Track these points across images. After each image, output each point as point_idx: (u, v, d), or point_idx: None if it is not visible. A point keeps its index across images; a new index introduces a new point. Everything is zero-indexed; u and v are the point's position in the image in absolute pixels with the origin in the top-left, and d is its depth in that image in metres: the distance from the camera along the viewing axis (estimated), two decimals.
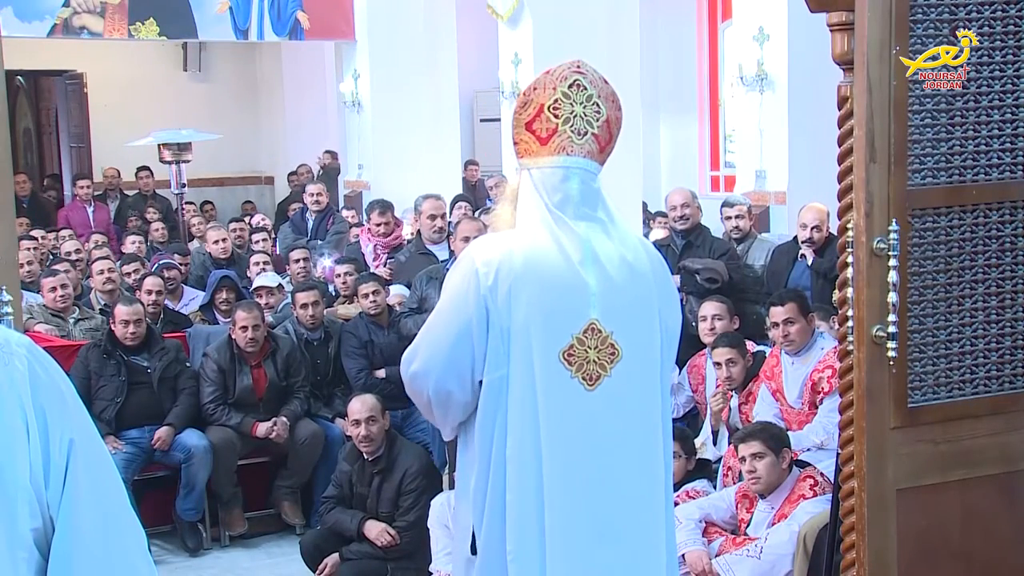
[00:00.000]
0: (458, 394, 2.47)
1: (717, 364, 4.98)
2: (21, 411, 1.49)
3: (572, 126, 2.50)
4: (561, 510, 2.43)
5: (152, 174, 12.35)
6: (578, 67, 2.55)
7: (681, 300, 5.81)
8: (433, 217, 6.95)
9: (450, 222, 7.13)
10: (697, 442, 5.06)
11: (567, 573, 2.43)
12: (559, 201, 2.49)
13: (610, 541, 2.46)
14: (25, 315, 5.83)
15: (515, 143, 2.59)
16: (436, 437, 5.33)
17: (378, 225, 7.85)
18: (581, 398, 2.44)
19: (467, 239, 5.60)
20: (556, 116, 2.51)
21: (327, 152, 12.82)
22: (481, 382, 2.46)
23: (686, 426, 5.34)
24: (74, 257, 8.18)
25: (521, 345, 2.42)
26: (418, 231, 7.19)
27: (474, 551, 2.51)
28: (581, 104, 2.50)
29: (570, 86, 2.51)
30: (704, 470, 4.85)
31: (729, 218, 7.02)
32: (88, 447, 1.55)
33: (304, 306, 6.23)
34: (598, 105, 2.52)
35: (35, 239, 8.74)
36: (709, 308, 5.40)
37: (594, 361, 2.44)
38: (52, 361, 1.59)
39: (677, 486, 4.54)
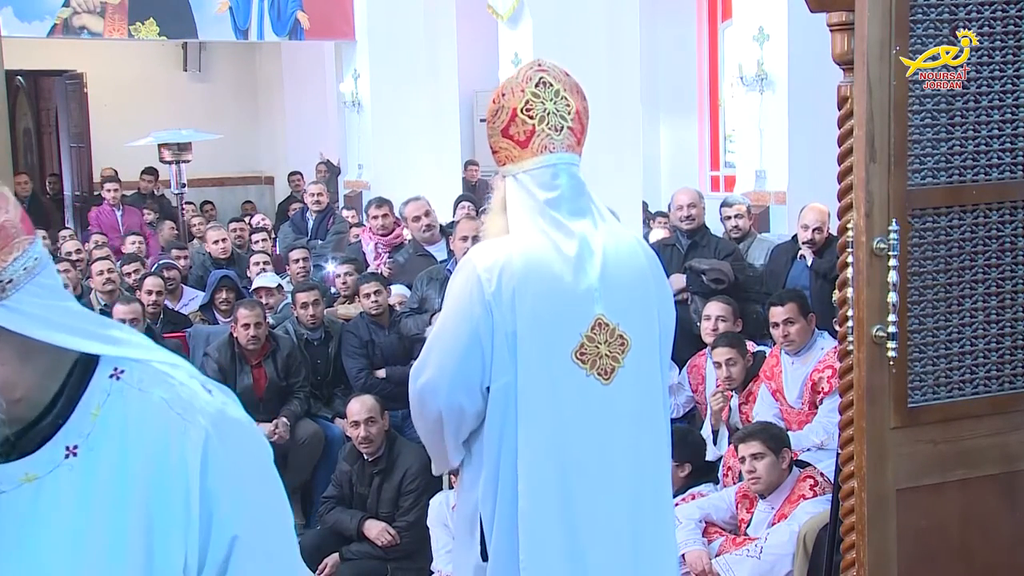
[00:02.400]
0: (468, 405, 2.45)
1: (717, 364, 4.98)
2: (184, 492, 1.32)
3: (548, 123, 2.52)
4: (589, 513, 2.42)
5: (157, 176, 12.32)
6: (539, 66, 2.58)
7: (687, 300, 5.84)
8: (417, 218, 6.92)
9: (453, 221, 7.13)
10: None
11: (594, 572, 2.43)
12: (554, 199, 2.49)
13: (633, 534, 2.47)
14: None
15: (494, 152, 2.61)
16: None
17: (375, 218, 7.84)
18: (599, 394, 2.44)
19: (466, 239, 5.61)
20: (531, 117, 2.52)
21: (323, 162, 12.91)
22: (488, 388, 2.45)
23: (686, 425, 5.34)
24: (74, 257, 8.19)
25: (528, 350, 2.41)
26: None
27: (485, 557, 2.50)
28: (551, 100, 2.52)
29: (537, 85, 2.53)
30: (709, 474, 4.82)
31: (728, 218, 7.02)
32: (256, 544, 1.36)
33: (304, 305, 6.23)
34: (566, 99, 2.54)
35: None
36: (714, 308, 5.41)
37: (606, 355, 2.45)
38: (244, 437, 1.38)
39: (682, 490, 4.54)
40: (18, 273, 1.30)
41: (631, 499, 2.47)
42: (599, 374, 2.44)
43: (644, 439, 2.50)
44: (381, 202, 7.95)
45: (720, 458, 4.88)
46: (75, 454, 1.32)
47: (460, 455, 2.56)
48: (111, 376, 1.36)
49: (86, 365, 1.36)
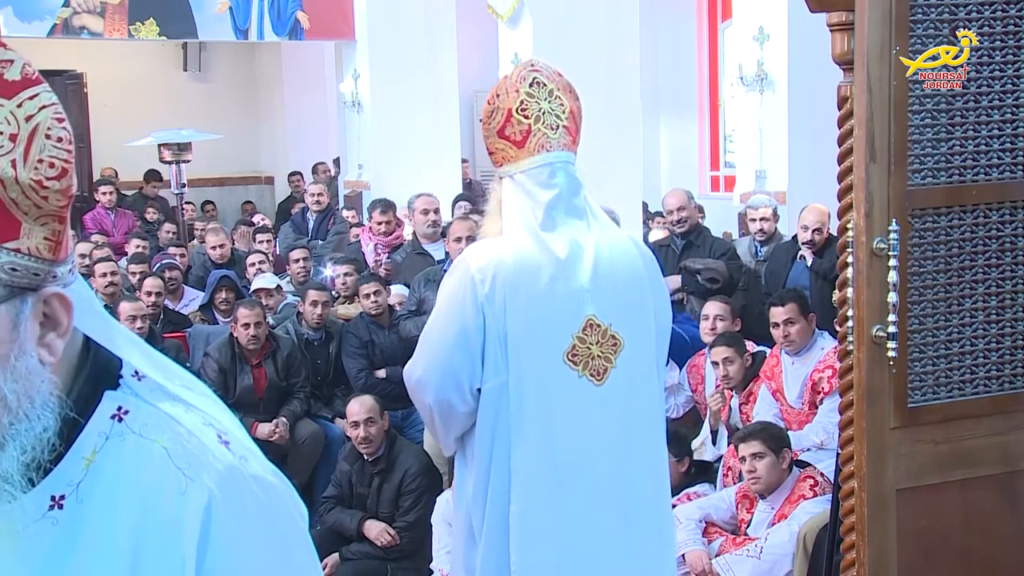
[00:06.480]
0: (458, 403, 2.46)
1: (715, 363, 4.98)
2: (178, 566, 1.07)
3: (544, 123, 2.53)
4: (582, 516, 2.42)
5: (161, 179, 12.28)
6: (532, 66, 2.59)
7: (682, 300, 5.85)
8: (426, 212, 7.12)
9: (449, 222, 7.16)
10: (696, 442, 5.06)
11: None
12: (552, 199, 2.50)
13: (627, 536, 2.47)
14: None
15: (491, 153, 2.61)
16: None
17: (379, 224, 7.89)
18: (592, 395, 2.44)
19: (460, 239, 5.61)
20: (526, 117, 2.53)
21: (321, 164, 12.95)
22: (479, 390, 2.46)
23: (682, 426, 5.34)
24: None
25: (520, 352, 2.42)
26: (414, 232, 7.26)
27: None
28: (545, 100, 2.54)
29: (531, 85, 2.54)
30: (706, 473, 4.83)
31: (754, 220, 6.94)
32: None
33: (314, 303, 6.24)
34: (560, 98, 2.55)
35: None
36: (712, 308, 5.41)
37: (598, 356, 2.45)
38: (263, 501, 1.11)
39: (676, 490, 4.54)
40: (72, 261, 1.11)
41: (625, 500, 2.47)
42: (591, 375, 2.44)
43: (638, 438, 2.50)
44: (387, 207, 7.98)
45: (719, 458, 4.89)
46: (60, 506, 1.09)
47: (453, 449, 2.60)
48: (113, 416, 1.12)
49: (88, 397, 1.12)
